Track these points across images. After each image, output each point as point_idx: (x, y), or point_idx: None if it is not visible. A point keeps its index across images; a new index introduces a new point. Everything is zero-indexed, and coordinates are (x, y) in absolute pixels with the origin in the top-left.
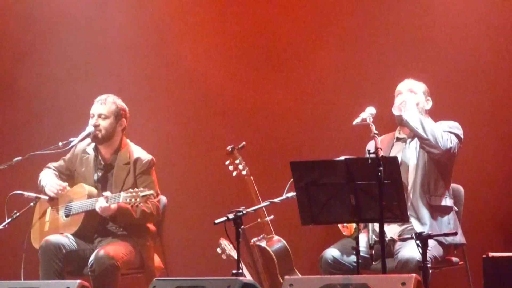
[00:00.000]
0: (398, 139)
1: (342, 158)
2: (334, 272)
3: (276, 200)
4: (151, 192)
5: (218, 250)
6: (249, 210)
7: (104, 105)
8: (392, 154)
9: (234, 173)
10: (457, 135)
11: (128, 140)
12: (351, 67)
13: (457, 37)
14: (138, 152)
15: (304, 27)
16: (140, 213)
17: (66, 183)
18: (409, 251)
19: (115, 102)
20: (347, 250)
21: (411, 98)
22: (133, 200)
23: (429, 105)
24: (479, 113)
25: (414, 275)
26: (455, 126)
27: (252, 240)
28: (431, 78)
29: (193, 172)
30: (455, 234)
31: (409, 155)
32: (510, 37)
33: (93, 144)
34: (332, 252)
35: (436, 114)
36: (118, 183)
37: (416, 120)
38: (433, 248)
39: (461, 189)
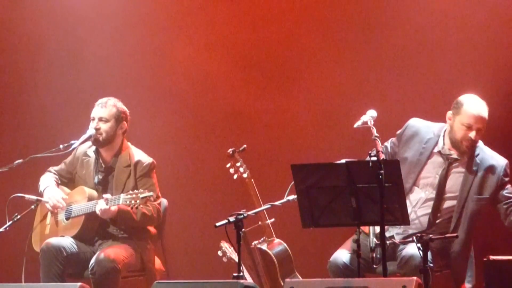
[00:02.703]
0: (440, 154)
1: (343, 161)
2: (344, 274)
3: (277, 203)
4: (151, 193)
5: (219, 253)
6: (250, 213)
7: (105, 108)
8: (428, 166)
9: (235, 176)
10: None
11: (129, 143)
12: (351, 70)
13: (459, 38)
14: (139, 155)
15: (306, 32)
16: (141, 216)
17: (65, 203)
18: (413, 248)
19: (115, 105)
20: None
21: None
22: (133, 202)
23: None
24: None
25: (415, 278)
26: (507, 181)
27: (253, 243)
28: (433, 79)
29: (194, 175)
30: (456, 237)
31: (451, 183)
32: None
33: (94, 147)
34: (342, 257)
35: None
36: (119, 186)
37: None
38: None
39: None
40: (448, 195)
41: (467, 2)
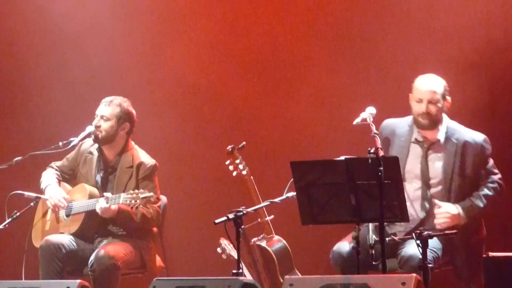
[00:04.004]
0: (417, 141)
1: (342, 158)
2: (345, 266)
3: (276, 200)
4: (151, 194)
5: (218, 250)
6: (249, 210)
7: (108, 107)
8: (410, 158)
9: (234, 173)
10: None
11: (133, 143)
12: (351, 67)
13: (459, 35)
14: (142, 156)
15: (304, 31)
16: (141, 217)
17: (66, 203)
18: (413, 248)
19: (120, 104)
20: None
21: (448, 212)
22: (133, 201)
23: (447, 105)
24: (481, 111)
25: (414, 275)
26: (488, 155)
27: (252, 240)
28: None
29: (193, 172)
30: (455, 233)
31: (433, 169)
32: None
33: (97, 145)
34: (344, 247)
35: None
36: (120, 186)
37: (473, 215)
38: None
39: None
40: (433, 181)
41: (467, 3)
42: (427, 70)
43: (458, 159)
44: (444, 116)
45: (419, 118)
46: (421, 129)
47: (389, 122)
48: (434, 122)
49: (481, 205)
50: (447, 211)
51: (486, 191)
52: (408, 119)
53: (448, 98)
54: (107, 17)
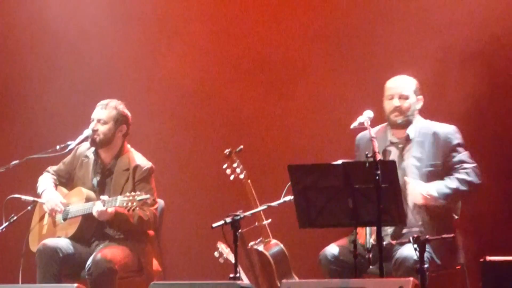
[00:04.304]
0: (391, 143)
1: (339, 161)
2: (334, 269)
3: (273, 203)
4: (148, 196)
5: (216, 253)
6: (246, 213)
7: (105, 110)
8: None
9: (232, 177)
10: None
11: (129, 146)
12: (348, 70)
13: (449, 34)
14: (139, 159)
15: (302, 34)
16: (138, 219)
17: (63, 207)
18: (407, 250)
19: (116, 107)
20: (347, 250)
21: (421, 189)
22: (129, 204)
23: (419, 104)
24: (479, 116)
25: (411, 278)
26: (457, 144)
27: (249, 244)
28: (426, 77)
29: (190, 176)
30: (452, 237)
31: (407, 168)
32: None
33: (93, 148)
34: (332, 250)
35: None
36: (117, 189)
37: (446, 194)
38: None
39: None
40: (409, 178)
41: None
42: (425, 73)
43: (429, 149)
44: (418, 116)
45: (392, 116)
46: (395, 128)
47: (362, 133)
48: (406, 118)
49: (454, 185)
50: (417, 184)
51: (457, 175)
52: (381, 126)
53: (420, 96)
54: (104, 21)
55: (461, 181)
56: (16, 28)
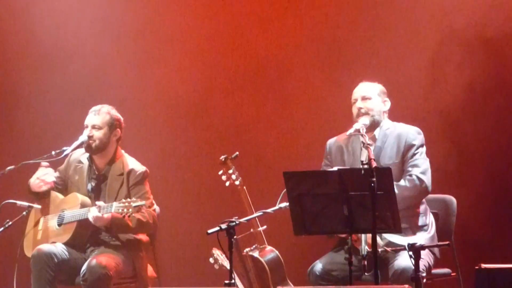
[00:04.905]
0: (364, 144)
1: (335, 168)
2: (323, 284)
3: (269, 210)
4: (143, 202)
5: (211, 260)
6: (242, 220)
7: (98, 115)
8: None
9: (227, 183)
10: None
11: (123, 151)
12: (344, 77)
13: (450, 43)
14: (132, 164)
15: (297, 40)
16: (136, 222)
17: (54, 178)
18: (405, 260)
19: (109, 112)
20: (335, 263)
21: None
22: (125, 210)
23: (387, 106)
24: (472, 125)
25: (406, 286)
26: (415, 144)
27: (244, 250)
28: (418, 81)
29: (186, 182)
30: (448, 245)
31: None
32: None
33: (87, 154)
34: (320, 265)
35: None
36: (112, 194)
37: None
38: (426, 256)
39: (454, 200)
40: None
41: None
42: (423, 76)
43: (391, 148)
44: (386, 119)
45: (358, 117)
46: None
47: (332, 140)
48: (372, 118)
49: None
50: None
51: (402, 182)
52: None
53: (386, 99)
54: (98, 29)
55: (402, 188)
56: (9, 36)
